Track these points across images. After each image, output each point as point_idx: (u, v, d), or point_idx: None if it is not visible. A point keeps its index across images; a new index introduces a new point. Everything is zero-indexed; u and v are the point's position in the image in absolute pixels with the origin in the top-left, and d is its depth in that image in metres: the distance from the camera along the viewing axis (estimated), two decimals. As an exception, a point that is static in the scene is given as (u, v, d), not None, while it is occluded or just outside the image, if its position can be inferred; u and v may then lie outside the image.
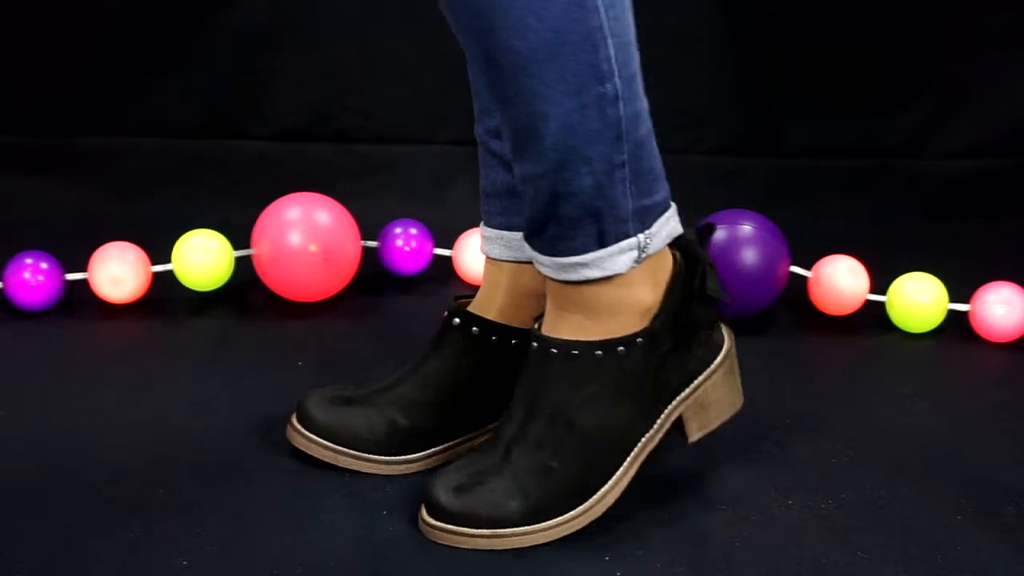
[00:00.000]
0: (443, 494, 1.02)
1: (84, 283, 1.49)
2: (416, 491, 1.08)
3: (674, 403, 1.09)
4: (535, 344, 1.06)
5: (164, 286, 1.52)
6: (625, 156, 1.01)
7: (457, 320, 1.15)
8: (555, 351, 1.05)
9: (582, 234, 1.02)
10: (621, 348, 1.05)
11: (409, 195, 1.90)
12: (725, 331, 1.13)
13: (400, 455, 1.13)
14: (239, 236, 1.53)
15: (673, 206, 1.07)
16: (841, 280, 1.51)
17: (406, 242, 1.60)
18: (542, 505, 1.02)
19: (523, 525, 1.02)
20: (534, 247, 1.06)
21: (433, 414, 1.14)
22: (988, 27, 1.95)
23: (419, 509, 1.04)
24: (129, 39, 1.87)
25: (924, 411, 1.30)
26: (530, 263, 1.15)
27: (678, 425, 1.10)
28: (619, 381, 1.05)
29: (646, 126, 1.02)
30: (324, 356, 1.39)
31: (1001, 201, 1.96)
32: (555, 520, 1.03)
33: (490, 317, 1.14)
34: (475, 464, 1.05)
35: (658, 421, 1.08)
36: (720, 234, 1.48)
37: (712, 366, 1.11)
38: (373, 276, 1.61)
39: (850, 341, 1.49)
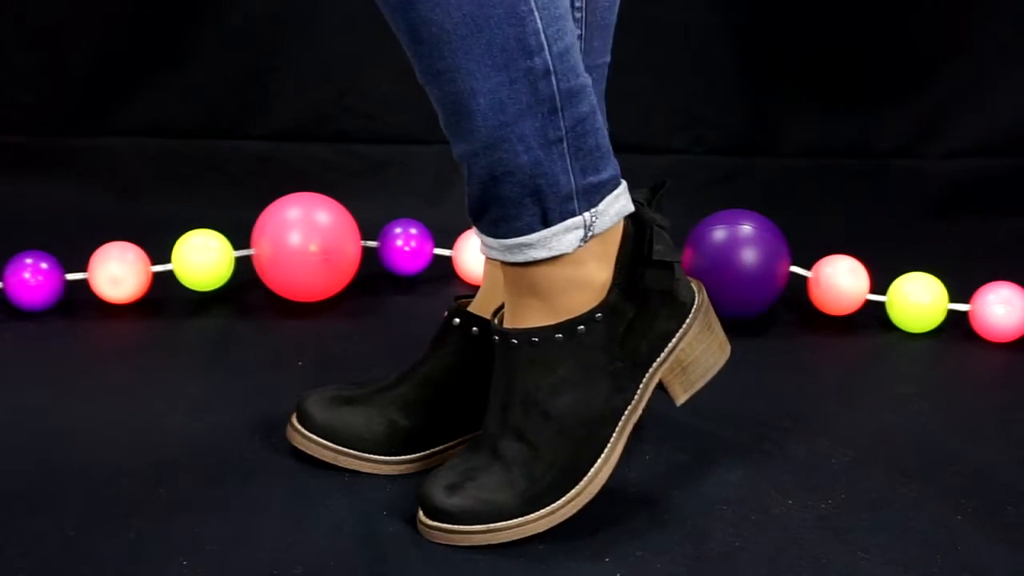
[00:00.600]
0: (436, 494, 1.02)
1: (84, 283, 1.49)
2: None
3: (651, 370, 1.07)
4: (496, 338, 1.05)
5: (164, 286, 1.52)
6: (563, 132, 0.99)
7: (457, 320, 1.15)
8: (515, 341, 1.04)
9: (525, 214, 1.01)
10: (580, 327, 1.03)
11: (409, 195, 1.90)
12: (694, 284, 1.11)
13: (400, 455, 1.13)
14: (239, 236, 1.53)
15: (623, 183, 1.05)
16: (841, 280, 1.51)
17: (406, 242, 1.60)
18: (532, 495, 1.02)
19: (517, 517, 1.02)
20: (480, 229, 1.05)
21: (433, 414, 1.13)
22: (988, 27, 1.95)
23: (416, 510, 1.04)
24: (129, 39, 1.87)
25: (924, 411, 1.30)
26: None
27: (665, 391, 1.08)
28: (585, 360, 1.04)
29: (588, 102, 1.01)
30: (324, 356, 1.39)
31: (1001, 201, 1.96)
32: (548, 508, 1.03)
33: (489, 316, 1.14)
34: (465, 462, 1.05)
35: (637, 392, 1.06)
36: (720, 234, 1.48)
37: (684, 325, 1.08)
38: (373, 276, 1.61)
39: (850, 341, 1.49)
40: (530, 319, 1.04)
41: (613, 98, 1.17)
